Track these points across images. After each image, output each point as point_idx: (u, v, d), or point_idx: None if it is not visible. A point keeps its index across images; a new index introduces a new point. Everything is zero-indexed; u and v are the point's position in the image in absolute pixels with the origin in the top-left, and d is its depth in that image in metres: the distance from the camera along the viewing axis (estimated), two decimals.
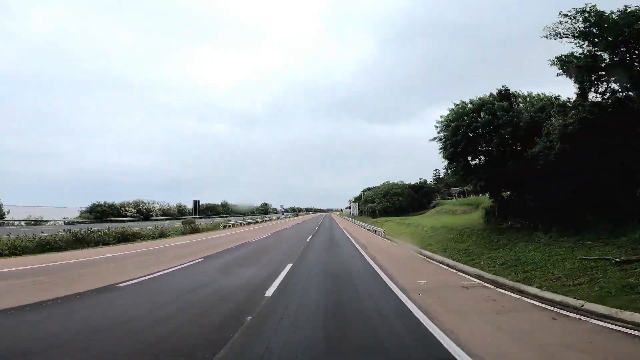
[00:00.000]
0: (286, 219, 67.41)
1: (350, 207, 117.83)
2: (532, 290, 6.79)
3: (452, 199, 47.12)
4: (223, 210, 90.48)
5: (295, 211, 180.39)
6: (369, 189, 76.54)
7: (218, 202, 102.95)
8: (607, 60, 9.04)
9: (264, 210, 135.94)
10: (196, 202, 69.25)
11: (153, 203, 56.30)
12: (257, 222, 47.61)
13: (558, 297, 6.06)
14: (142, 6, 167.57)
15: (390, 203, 46.39)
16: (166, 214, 58.20)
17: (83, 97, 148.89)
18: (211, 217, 69.08)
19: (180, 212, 64.56)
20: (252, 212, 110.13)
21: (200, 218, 64.91)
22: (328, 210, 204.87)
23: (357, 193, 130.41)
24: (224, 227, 33.84)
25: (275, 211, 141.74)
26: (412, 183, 50.45)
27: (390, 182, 54.21)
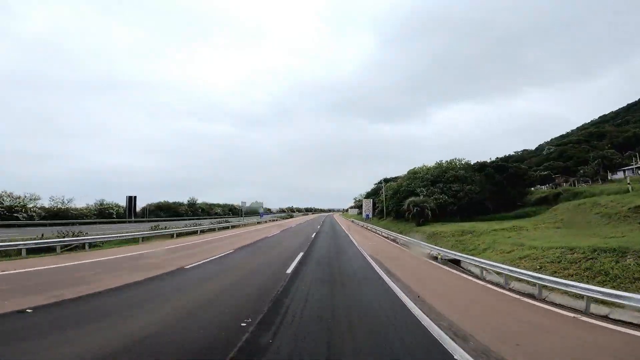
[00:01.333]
0: (267, 224, 44.96)
1: (358, 207, 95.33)
2: None
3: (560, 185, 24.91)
4: (189, 211, 68.00)
5: (293, 211, 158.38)
6: (387, 180, 54.01)
7: (221, 201, 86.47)
8: None
9: (252, 211, 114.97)
10: (131, 199, 46.60)
11: (34, 198, 33.63)
12: (200, 232, 25.25)
13: None
14: (142, 6, 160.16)
15: (449, 195, 23.86)
16: (62, 216, 35.85)
17: (83, 97, 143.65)
18: (160, 221, 46.60)
19: (103, 213, 42.17)
20: (234, 212, 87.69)
21: (139, 222, 42.49)
22: (329, 211, 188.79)
23: (361, 192, 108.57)
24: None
25: (268, 211, 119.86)
26: (479, 161, 27.83)
27: (436, 163, 31.63)
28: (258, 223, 46.59)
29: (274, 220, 59.58)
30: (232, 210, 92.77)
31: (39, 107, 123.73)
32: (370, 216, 44.54)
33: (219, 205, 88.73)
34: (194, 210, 69.40)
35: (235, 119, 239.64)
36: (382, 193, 43.45)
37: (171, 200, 66.69)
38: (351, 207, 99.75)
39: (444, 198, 24.14)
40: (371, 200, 49.33)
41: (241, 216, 48.82)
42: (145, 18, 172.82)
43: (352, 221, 57.32)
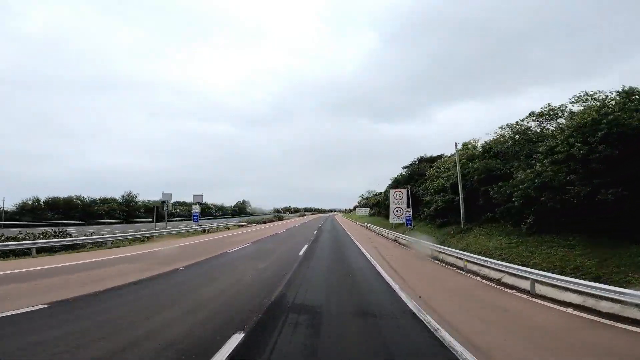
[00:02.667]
0: (186, 240, 22.84)
1: (367, 205, 72.16)
2: None
3: None
4: (120, 213, 45.76)
5: (290, 211, 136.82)
6: (427, 159, 31.68)
7: (220, 202, 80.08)
8: None
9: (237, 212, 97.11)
10: None
11: None
12: None
13: None
14: (142, 6, 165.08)
15: None
16: None
17: (82, 97, 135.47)
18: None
19: None
20: (204, 212, 66.09)
21: None
22: (330, 211, 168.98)
23: (363, 190, 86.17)
24: None
25: (252, 213, 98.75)
26: None
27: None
28: (190, 234, 24.35)
29: (241, 227, 37.28)
30: (204, 211, 70.82)
31: (39, 107, 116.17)
32: (412, 222, 22.06)
33: (182, 205, 66.77)
34: (132, 211, 47.29)
35: (235, 119, 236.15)
36: (450, 170, 21.27)
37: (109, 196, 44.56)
38: (359, 206, 77.34)
39: None
40: (406, 190, 27.09)
41: (155, 221, 26.06)
42: (145, 18, 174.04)
43: (368, 228, 34.89)
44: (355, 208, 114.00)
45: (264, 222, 48.36)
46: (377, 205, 46.96)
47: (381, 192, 58.43)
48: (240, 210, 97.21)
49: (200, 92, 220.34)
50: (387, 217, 39.64)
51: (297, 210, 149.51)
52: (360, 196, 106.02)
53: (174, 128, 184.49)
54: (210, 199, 78.45)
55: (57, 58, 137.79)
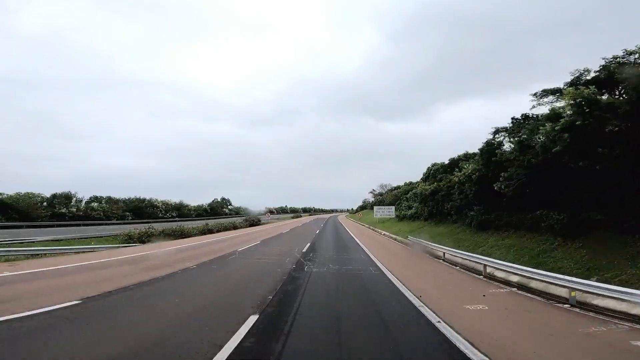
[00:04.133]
0: None
1: (384, 204, 48.49)
2: None
3: None
4: None
5: (286, 212, 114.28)
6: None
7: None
8: None
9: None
10: None
11: None
12: None
13: None
14: (142, 4, 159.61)
15: None
16: None
17: (83, 97, 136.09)
18: None
19: None
20: (138, 214, 43.18)
21: None
22: (332, 211, 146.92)
23: (376, 185, 66.46)
24: None
25: (236, 213, 76.83)
26: None
27: None
28: None
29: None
30: (136, 212, 46.99)
31: (38, 107, 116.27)
32: None
33: (116, 202, 42.34)
34: None
35: (238, 119, 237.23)
36: None
37: None
38: (376, 204, 53.63)
39: None
40: None
41: None
42: (146, 18, 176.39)
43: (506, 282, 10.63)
44: (362, 208, 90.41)
45: (200, 234, 24.41)
46: (427, 201, 23.33)
47: (408, 184, 34.61)
48: (213, 211, 74.18)
49: (203, 91, 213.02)
50: (473, 224, 16.16)
51: (294, 211, 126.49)
52: (371, 192, 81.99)
53: (177, 128, 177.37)
54: (209, 199, 69.94)
55: (57, 58, 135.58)
